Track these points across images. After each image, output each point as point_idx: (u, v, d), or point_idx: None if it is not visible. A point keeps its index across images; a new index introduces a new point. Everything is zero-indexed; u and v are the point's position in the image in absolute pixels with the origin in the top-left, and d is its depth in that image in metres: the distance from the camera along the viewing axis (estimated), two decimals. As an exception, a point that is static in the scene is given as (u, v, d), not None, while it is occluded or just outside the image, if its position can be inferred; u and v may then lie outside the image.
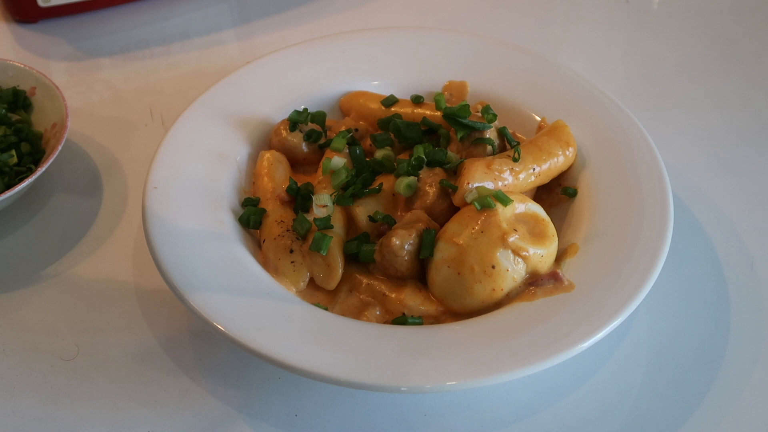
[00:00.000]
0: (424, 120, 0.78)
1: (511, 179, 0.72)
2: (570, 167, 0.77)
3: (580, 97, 0.82)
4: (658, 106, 0.96)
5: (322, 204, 0.70)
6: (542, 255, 0.67)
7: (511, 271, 0.65)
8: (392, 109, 0.81)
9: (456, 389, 0.61)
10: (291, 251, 0.69)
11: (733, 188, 0.85)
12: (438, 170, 0.72)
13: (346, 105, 0.85)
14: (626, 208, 0.71)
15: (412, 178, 0.72)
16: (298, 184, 0.75)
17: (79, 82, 0.98)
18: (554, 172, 0.76)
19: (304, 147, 0.80)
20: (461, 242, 0.66)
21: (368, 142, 0.79)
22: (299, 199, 0.74)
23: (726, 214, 0.82)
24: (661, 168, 0.74)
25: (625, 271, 0.66)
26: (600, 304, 0.63)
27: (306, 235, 0.70)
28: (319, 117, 0.82)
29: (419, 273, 0.70)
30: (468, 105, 0.75)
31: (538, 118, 0.82)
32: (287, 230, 0.71)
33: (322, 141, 0.80)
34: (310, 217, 0.70)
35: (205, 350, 0.69)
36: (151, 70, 1.00)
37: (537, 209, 0.69)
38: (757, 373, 0.68)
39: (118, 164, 0.86)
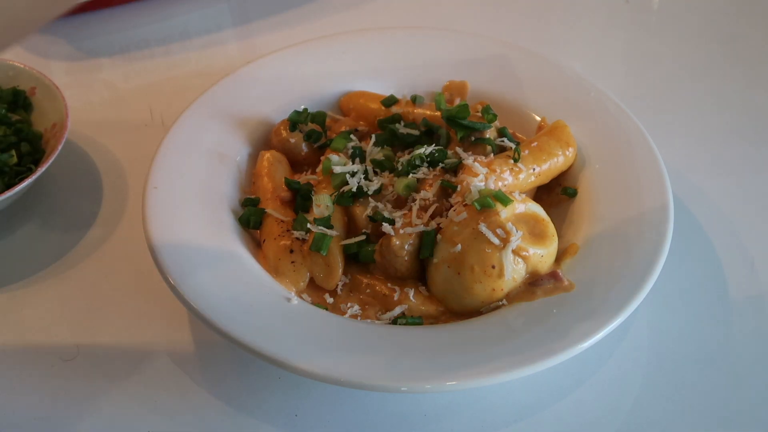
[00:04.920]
0: (424, 121, 0.78)
1: (511, 179, 0.72)
2: (570, 167, 0.77)
3: (580, 97, 0.82)
4: (658, 106, 0.96)
5: (322, 204, 0.70)
6: (542, 255, 0.67)
7: (511, 271, 0.65)
8: (392, 109, 0.81)
9: (456, 389, 0.61)
10: (291, 251, 0.69)
11: (733, 188, 0.85)
12: (438, 170, 0.72)
13: (346, 105, 0.85)
14: (626, 208, 0.71)
15: (412, 178, 0.72)
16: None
17: (79, 82, 0.98)
18: (554, 172, 0.76)
19: (304, 147, 0.80)
20: (461, 242, 0.66)
21: (368, 142, 0.79)
22: (299, 199, 0.74)
23: (726, 214, 0.82)
24: (661, 168, 0.74)
25: (625, 271, 0.66)
26: (600, 304, 0.63)
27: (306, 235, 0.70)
28: (319, 117, 0.82)
29: (419, 273, 0.70)
30: (468, 105, 0.75)
31: (538, 118, 0.82)
32: (287, 230, 0.71)
33: (322, 141, 0.80)
34: (310, 217, 0.70)
35: (205, 350, 0.69)
36: (151, 70, 1.00)
37: (537, 209, 0.69)
38: (757, 373, 0.68)
39: (118, 164, 0.86)
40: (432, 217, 0.70)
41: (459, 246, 0.66)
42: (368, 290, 0.69)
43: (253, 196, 0.75)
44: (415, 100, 0.82)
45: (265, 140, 0.81)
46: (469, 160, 0.72)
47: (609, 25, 1.11)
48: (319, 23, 1.07)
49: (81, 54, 1.02)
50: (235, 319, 0.62)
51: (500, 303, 0.66)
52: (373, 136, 0.78)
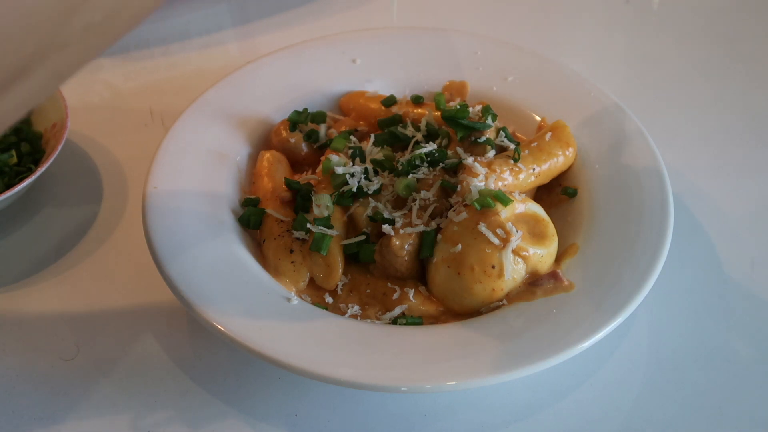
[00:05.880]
0: (426, 123, 0.78)
1: (511, 179, 0.72)
2: (570, 167, 0.77)
3: (580, 97, 0.82)
4: (658, 105, 0.96)
5: (322, 204, 0.70)
6: (542, 255, 0.67)
7: (511, 271, 0.65)
8: (392, 109, 0.81)
9: (456, 389, 0.61)
10: (291, 251, 0.69)
11: (733, 188, 0.85)
12: (438, 170, 0.72)
13: (346, 105, 0.85)
14: (626, 208, 0.71)
15: (411, 178, 0.72)
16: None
17: (79, 82, 0.98)
18: (554, 172, 0.76)
19: (304, 147, 0.80)
20: (461, 242, 0.66)
21: (368, 141, 0.79)
22: (299, 199, 0.73)
23: (726, 214, 0.82)
24: (661, 168, 0.74)
25: (625, 271, 0.66)
26: (600, 304, 0.63)
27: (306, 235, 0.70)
28: (319, 117, 0.82)
29: (419, 273, 0.70)
30: (467, 105, 0.75)
31: (538, 118, 0.82)
32: (287, 230, 0.71)
33: (322, 141, 0.80)
34: (310, 217, 0.70)
35: (205, 350, 0.69)
36: (151, 70, 1.00)
37: (537, 209, 0.69)
38: (757, 373, 0.68)
39: (118, 164, 0.86)
40: (432, 217, 0.70)
41: (459, 246, 0.66)
42: (368, 290, 0.69)
43: (253, 196, 0.75)
44: (415, 100, 0.82)
45: (265, 140, 0.81)
46: (469, 160, 0.72)
47: (609, 25, 1.11)
48: (319, 23, 1.07)
49: (81, 54, 1.02)
50: (235, 319, 0.62)
51: (500, 303, 0.66)
52: (373, 136, 0.78)
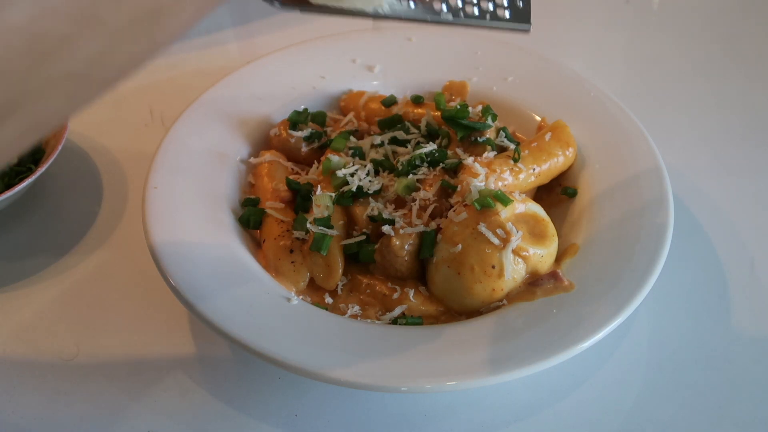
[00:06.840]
0: (426, 123, 0.78)
1: (511, 179, 0.72)
2: (570, 167, 0.77)
3: (580, 97, 0.82)
4: (659, 106, 0.96)
5: (322, 204, 0.70)
6: (542, 255, 0.67)
7: (511, 271, 0.65)
8: (392, 109, 0.81)
9: (456, 389, 0.61)
10: (291, 251, 0.69)
11: (733, 188, 0.85)
12: (438, 170, 0.72)
13: (346, 105, 0.85)
14: (626, 208, 0.71)
15: (411, 178, 0.72)
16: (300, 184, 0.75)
17: (79, 82, 0.98)
18: (554, 172, 0.76)
19: (304, 147, 0.80)
20: (461, 242, 0.66)
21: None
22: (299, 199, 0.74)
23: (726, 214, 0.82)
24: (661, 168, 0.74)
25: (625, 271, 0.66)
26: (600, 304, 0.63)
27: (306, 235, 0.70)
28: (319, 117, 0.82)
29: (419, 273, 0.70)
30: (467, 105, 0.75)
31: (538, 118, 0.82)
32: (287, 230, 0.71)
33: (323, 141, 0.80)
34: (310, 217, 0.70)
35: (205, 350, 0.69)
36: (151, 70, 0.99)
37: (537, 209, 0.69)
38: (757, 373, 0.68)
39: (118, 164, 0.86)
40: (432, 217, 0.70)
41: (459, 246, 0.66)
42: (368, 290, 0.69)
43: (253, 196, 0.75)
44: (415, 100, 0.82)
45: (265, 140, 0.81)
46: (469, 160, 0.72)
47: (609, 25, 1.11)
48: (319, 23, 1.07)
49: (81, 54, 1.02)
50: (235, 319, 0.62)
51: (500, 303, 0.66)
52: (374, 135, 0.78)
